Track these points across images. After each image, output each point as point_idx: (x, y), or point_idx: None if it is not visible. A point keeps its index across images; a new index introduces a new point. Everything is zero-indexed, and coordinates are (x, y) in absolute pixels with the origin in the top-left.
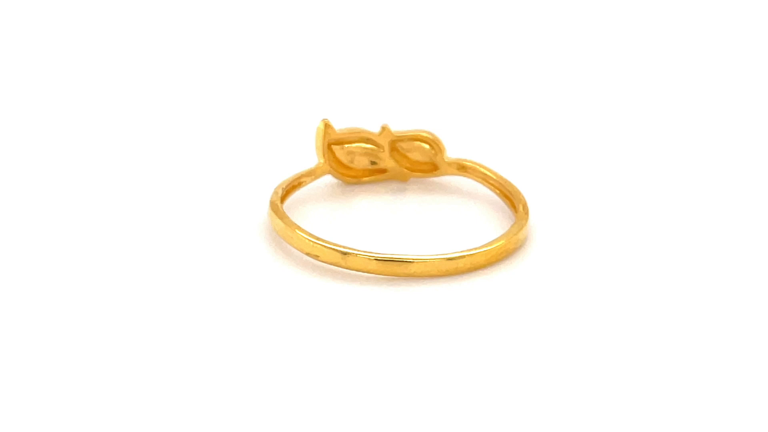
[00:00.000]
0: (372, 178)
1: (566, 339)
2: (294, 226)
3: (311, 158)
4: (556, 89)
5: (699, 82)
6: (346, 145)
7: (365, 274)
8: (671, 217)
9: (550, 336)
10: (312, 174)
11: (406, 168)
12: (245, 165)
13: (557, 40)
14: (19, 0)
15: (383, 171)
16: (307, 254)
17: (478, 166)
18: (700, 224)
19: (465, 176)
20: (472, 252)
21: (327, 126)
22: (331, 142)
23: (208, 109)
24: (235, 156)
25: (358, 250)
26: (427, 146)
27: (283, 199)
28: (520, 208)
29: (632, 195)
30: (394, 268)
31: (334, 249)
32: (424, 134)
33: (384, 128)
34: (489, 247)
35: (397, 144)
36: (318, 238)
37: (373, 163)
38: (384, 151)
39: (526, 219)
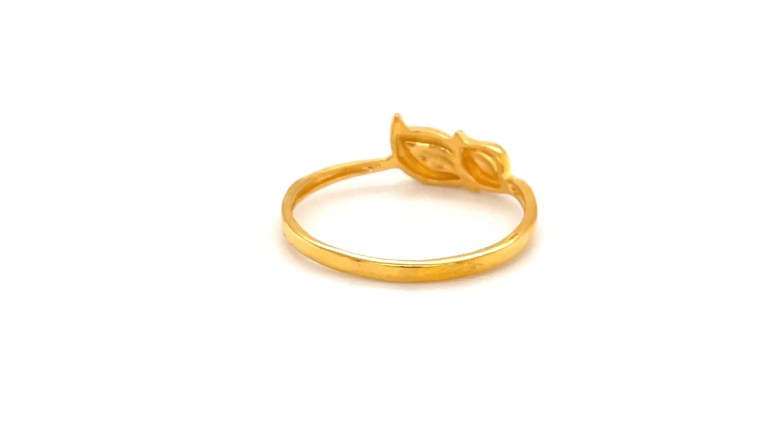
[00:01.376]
0: (444, 182)
1: (567, 341)
2: (291, 219)
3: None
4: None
5: (712, 94)
6: (420, 144)
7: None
8: (680, 222)
9: (554, 340)
10: (377, 165)
11: (476, 178)
12: (337, 150)
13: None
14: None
15: (455, 177)
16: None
17: (521, 187)
18: (707, 226)
19: (514, 196)
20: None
21: (396, 120)
22: (403, 138)
23: (303, 103)
24: (330, 144)
25: (337, 249)
26: (493, 161)
27: (324, 182)
28: (514, 233)
29: (645, 203)
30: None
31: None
32: (492, 147)
33: (457, 134)
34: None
35: (470, 153)
36: (294, 225)
37: (441, 166)
38: (455, 157)
39: (507, 243)
